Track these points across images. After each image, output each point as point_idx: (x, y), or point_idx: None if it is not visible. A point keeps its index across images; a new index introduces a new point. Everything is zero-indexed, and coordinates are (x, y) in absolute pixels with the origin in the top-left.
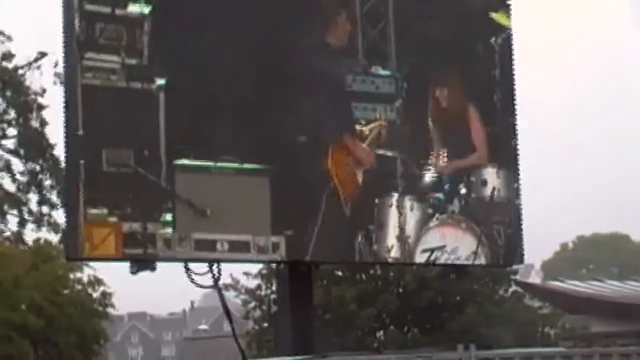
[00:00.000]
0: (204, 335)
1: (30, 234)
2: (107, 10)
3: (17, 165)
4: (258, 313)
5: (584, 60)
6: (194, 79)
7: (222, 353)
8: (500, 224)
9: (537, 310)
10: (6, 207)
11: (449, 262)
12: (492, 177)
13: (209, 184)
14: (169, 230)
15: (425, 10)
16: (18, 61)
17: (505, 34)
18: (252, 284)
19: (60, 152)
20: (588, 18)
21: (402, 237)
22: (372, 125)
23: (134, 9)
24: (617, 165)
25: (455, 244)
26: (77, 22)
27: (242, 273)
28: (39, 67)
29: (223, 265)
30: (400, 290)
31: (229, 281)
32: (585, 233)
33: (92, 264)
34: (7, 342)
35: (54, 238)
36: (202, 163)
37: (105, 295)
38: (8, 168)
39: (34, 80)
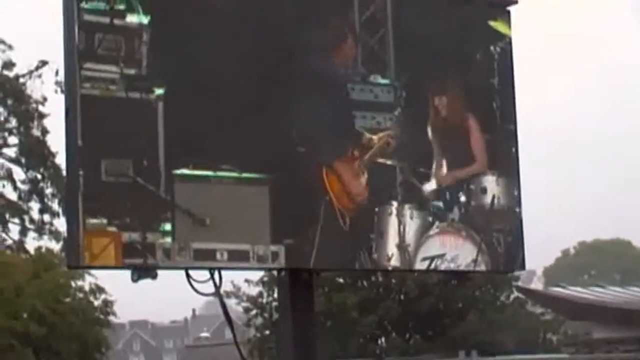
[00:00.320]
0: (205, 343)
1: (32, 242)
2: (105, 20)
3: (18, 173)
4: (259, 320)
5: (587, 65)
6: (193, 88)
7: None
8: (500, 231)
9: (539, 316)
10: (7, 216)
11: (449, 269)
12: (491, 184)
13: (208, 193)
14: (168, 240)
15: (424, 18)
16: (19, 69)
17: (504, 41)
18: (254, 291)
19: (61, 160)
20: (588, 19)
21: (401, 245)
22: (380, 134)
23: (132, 19)
24: (618, 170)
25: (455, 252)
26: (76, 32)
27: (243, 280)
28: (39, 76)
29: (224, 273)
30: (402, 297)
31: (230, 288)
32: (587, 239)
33: (93, 271)
34: (9, 350)
35: (55, 246)
36: (201, 172)
37: (107, 303)
38: (9, 176)
39: (34, 88)
